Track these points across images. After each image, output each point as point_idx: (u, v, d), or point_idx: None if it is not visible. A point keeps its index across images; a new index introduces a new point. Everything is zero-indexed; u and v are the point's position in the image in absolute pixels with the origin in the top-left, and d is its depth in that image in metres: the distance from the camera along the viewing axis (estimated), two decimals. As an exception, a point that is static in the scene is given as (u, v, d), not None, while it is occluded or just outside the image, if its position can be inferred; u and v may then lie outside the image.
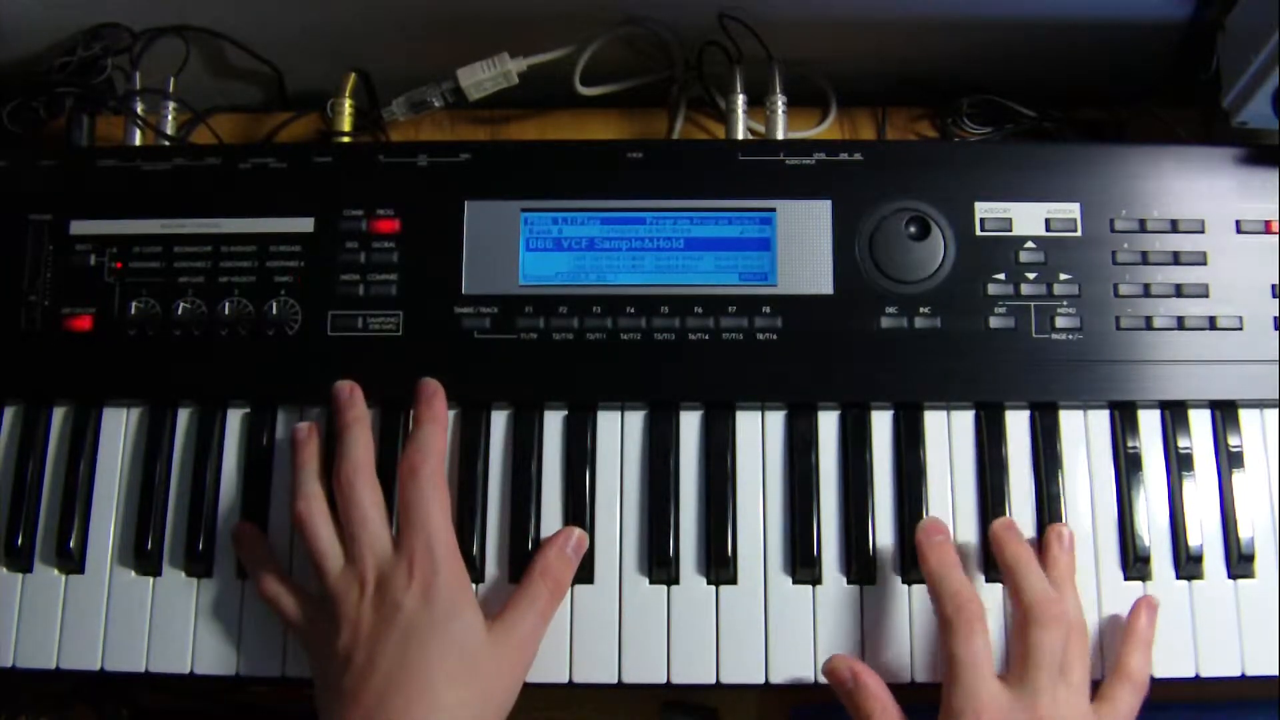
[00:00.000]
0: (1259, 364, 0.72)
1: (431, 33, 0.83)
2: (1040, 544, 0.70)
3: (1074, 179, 0.75)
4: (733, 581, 0.71)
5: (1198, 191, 0.74)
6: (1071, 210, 0.74)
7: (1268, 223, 0.74)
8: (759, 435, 0.73)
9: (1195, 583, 0.70)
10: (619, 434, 0.73)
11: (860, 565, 0.70)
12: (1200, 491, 0.72)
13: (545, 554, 0.69)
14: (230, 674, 0.70)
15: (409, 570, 0.65)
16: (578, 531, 0.70)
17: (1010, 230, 0.74)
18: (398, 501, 0.69)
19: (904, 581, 0.70)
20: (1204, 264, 0.74)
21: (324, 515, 0.68)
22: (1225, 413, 0.73)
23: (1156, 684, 0.68)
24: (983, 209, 0.74)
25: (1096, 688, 0.66)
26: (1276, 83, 0.70)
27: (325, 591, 0.66)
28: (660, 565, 0.71)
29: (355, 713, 0.62)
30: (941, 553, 0.68)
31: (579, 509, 0.71)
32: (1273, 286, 0.73)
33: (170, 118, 0.82)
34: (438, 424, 0.70)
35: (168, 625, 0.71)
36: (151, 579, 0.72)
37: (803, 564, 0.70)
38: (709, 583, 0.71)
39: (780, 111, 0.81)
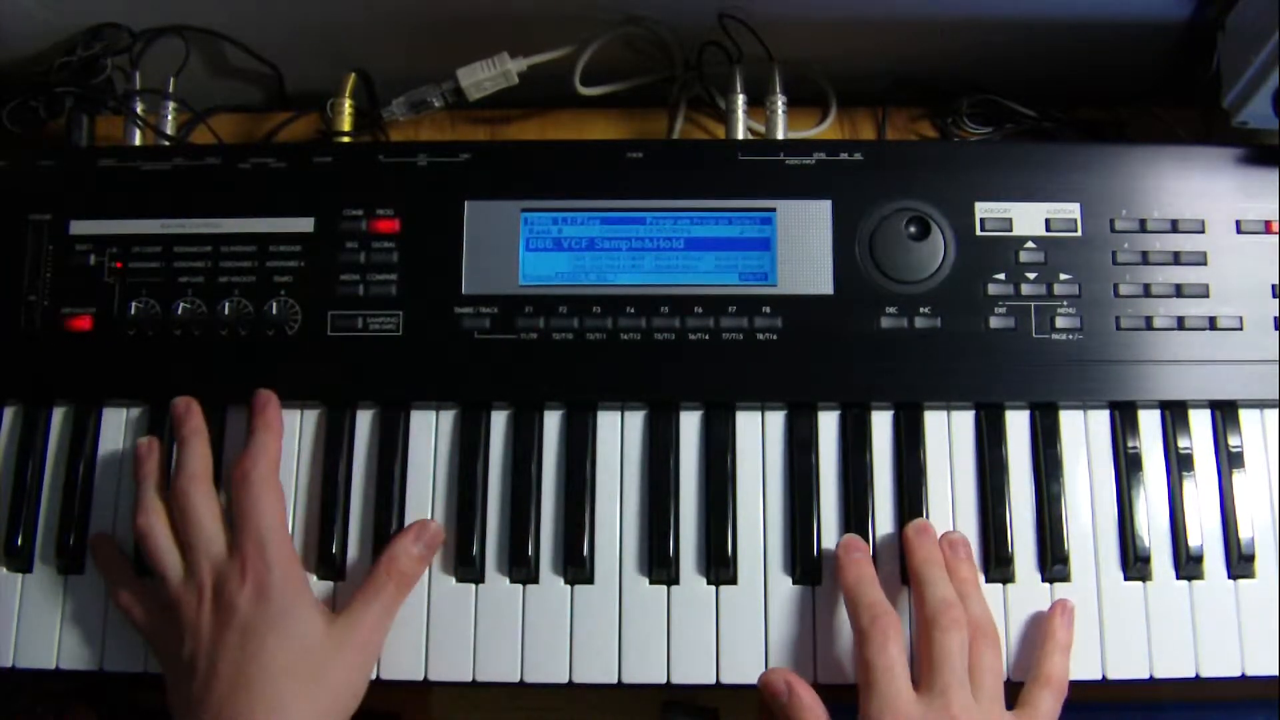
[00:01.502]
0: (1259, 364, 0.72)
1: (431, 33, 0.83)
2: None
3: (1074, 179, 0.75)
4: (733, 581, 0.71)
5: (1198, 191, 0.74)
6: (1071, 210, 0.74)
7: (1268, 223, 0.74)
8: (759, 435, 0.73)
9: (1195, 583, 0.70)
10: (619, 434, 0.73)
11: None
12: (1200, 491, 0.72)
13: (393, 547, 0.69)
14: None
15: (242, 571, 0.66)
16: (433, 524, 0.70)
17: (1010, 230, 0.74)
18: (232, 506, 0.69)
19: (904, 582, 0.70)
20: (1204, 264, 0.74)
21: (163, 527, 0.69)
22: (1225, 413, 0.73)
23: (1157, 684, 0.68)
24: (983, 209, 0.74)
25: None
26: (1276, 83, 0.70)
27: (168, 601, 0.67)
28: (660, 565, 0.71)
29: (203, 718, 0.62)
30: (859, 568, 0.68)
31: (578, 509, 0.71)
32: (1273, 286, 0.73)
33: (170, 118, 0.82)
34: (270, 431, 0.71)
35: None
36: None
37: (802, 564, 0.70)
38: (709, 583, 0.71)
39: (780, 111, 0.81)
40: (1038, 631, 0.69)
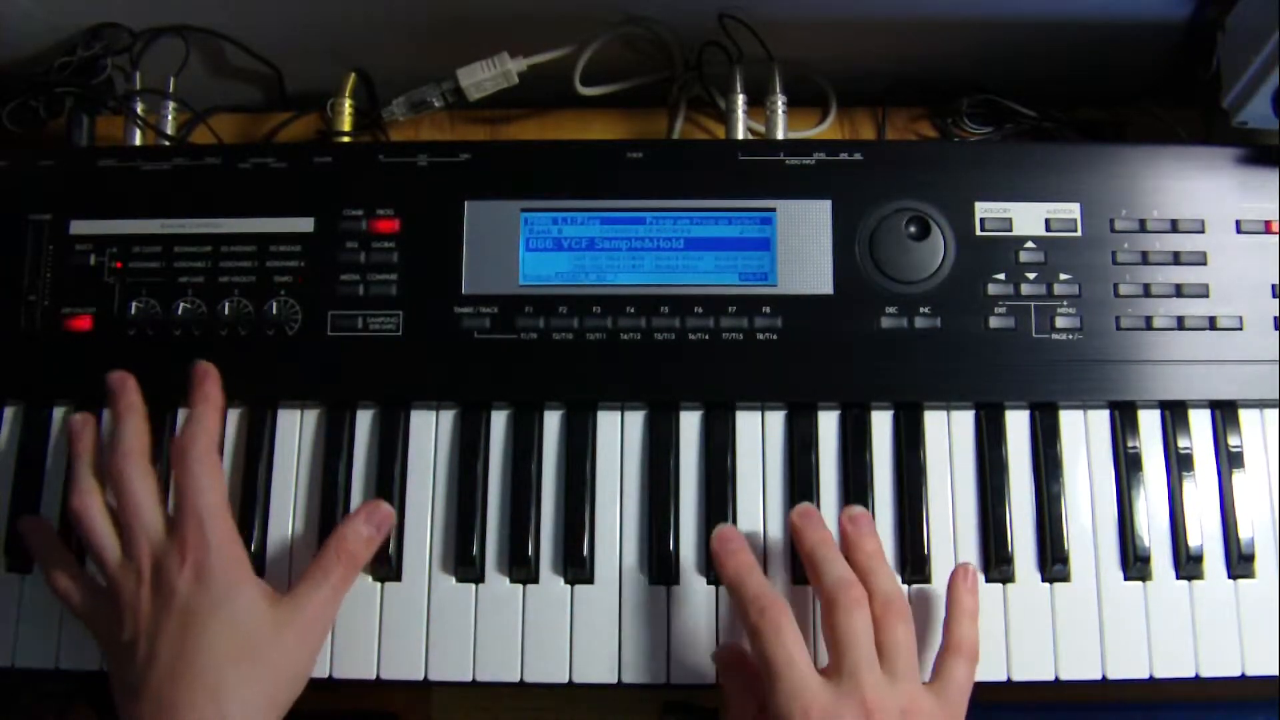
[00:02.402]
0: (1259, 364, 0.72)
1: (431, 33, 0.83)
2: (838, 533, 0.69)
3: (1074, 179, 0.75)
4: (733, 581, 0.71)
5: (1198, 191, 0.74)
6: (1071, 210, 0.74)
7: (1268, 223, 0.74)
8: (759, 435, 0.73)
9: (1195, 583, 0.70)
10: (619, 434, 0.73)
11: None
12: (1200, 491, 0.72)
13: (342, 529, 0.68)
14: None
15: (181, 552, 0.64)
16: (384, 506, 0.69)
17: (1010, 230, 0.74)
18: (172, 485, 0.68)
19: (904, 581, 0.70)
20: (1204, 264, 0.74)
21: (99, 508, 0.67)
22: (1225, 413, 0.73)
23: (1157, 684, 0.68)
24: (983, 209, 0.74)
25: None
26: (1276, 83, 0.70)
27: (107, 584, 0.66)
28: (660, 565, 0.71)
29: (144, 705, 0.61)
30: (738, 560, 0.66)
31: (578, 509, 0.71)
32: (1273, 286, 0.73)
33: (170, 118, 0.83)
34: (209, 404, 0.69)
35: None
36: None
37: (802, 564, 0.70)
38: (709, 583, 0.71)
39: (780, 111, 0.81)
40: (946, 599, 0.67)
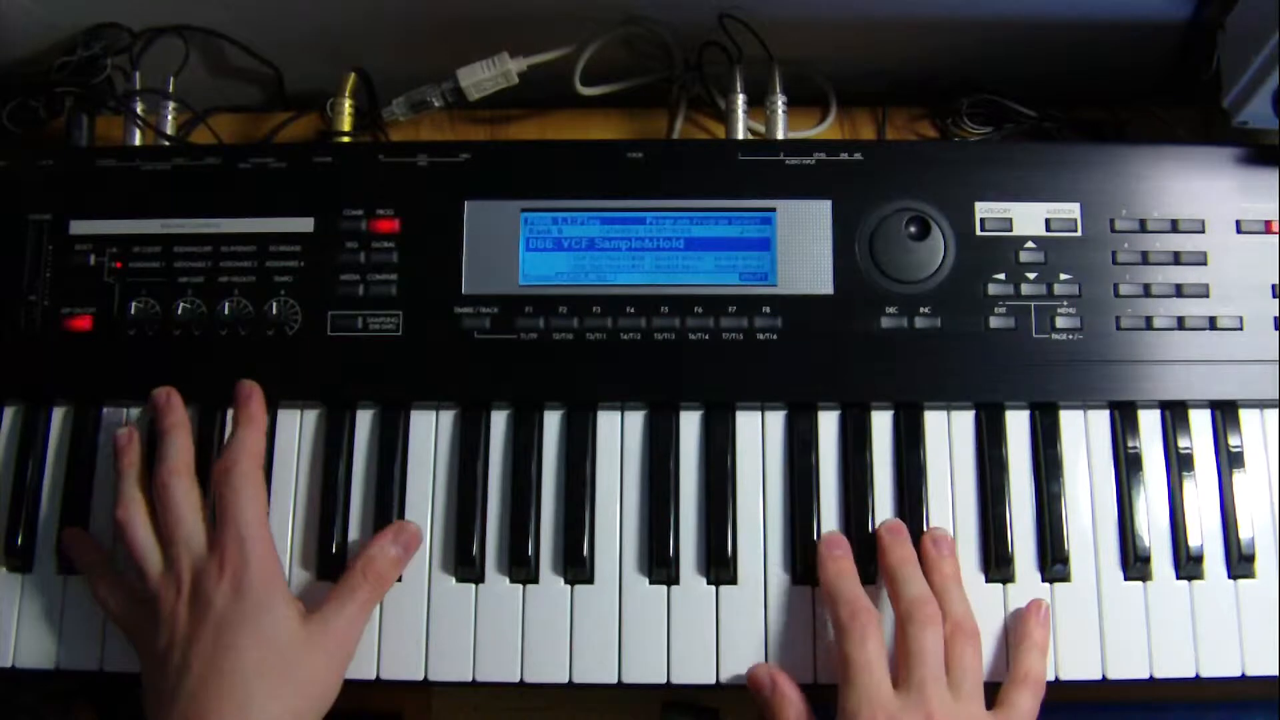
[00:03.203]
0: (1259, 364, 0.72)
1: (431, 33, 0.83)
2: (920, 552, 0.70)
3: (1074, 179, 0.75)
4: (733, 581, 0.71)
5: (1198, 191, 0.74)
6: (1071, 210, 0.74)
7: (1268, 223, 0.74)
8: (759, 435, 0.73)
9: (1195, 583, 0.70)
10: (619, 434, 0.73)
11: (861, 565, 0.70)
12: (1200, 491, 0.72)
13: (369, 547, 0.69)
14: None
15: (220, 566, 0.66)
16: (411, 526, 0.71)
17: (1010, 230, 0.74)
18: (214, 501, 0.69)
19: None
20: (1204, 264, 0.74)
21: (143, 519, 0.69)
22: (1225, 413, 0.73)
23: (1157, 684, 0.68)
24: (983, 209, 0.74)
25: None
26: (1276, 83, 0.70)
27: (146, 594, 0.67)
28: (660, 565, 0.71)
29: (173, 713, 0.62)
30: (839, 565, 0.69)
31: (578, 509, 0.71)
32: (1273, 286, 0.73)
33: (170, 118, 0.82)
34: (253, 425, 0.70)
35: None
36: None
37: (803, 564, 0.70)
38: (709, 583, 0.71)
39: (780, 111, 0.81)
40: (1014, 631, 0.69)
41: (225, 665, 0.63)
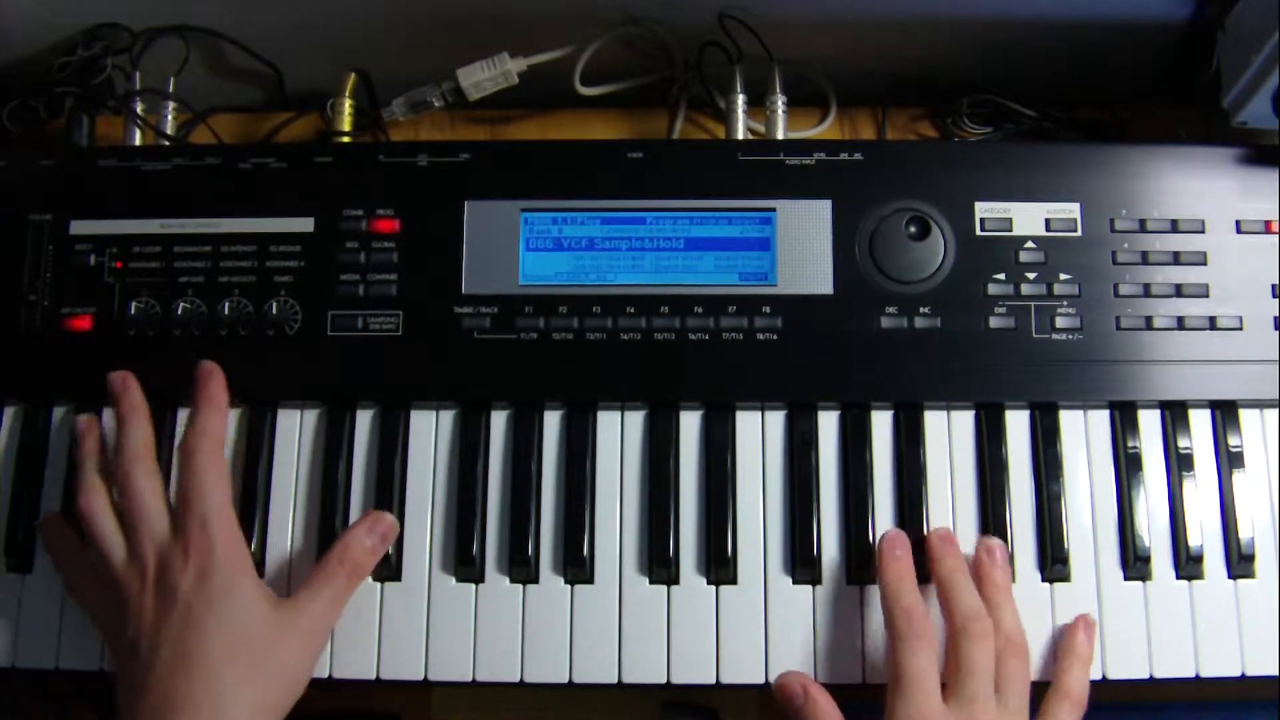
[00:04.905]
0: (1259, 364, 0.72)
1: (431, 33, 0.83)
2: (972, 560, 0.70)
3: (1074, 179, 0.75)
4: (733, 581, 0.71)
5: (1198, 191, 0.74)
6: (1071, 210, 0.74)
7: (1268, 223, 0.74)
8: (759, 435, 0.73)
9: (1195, 583, 0.70)
10: (619, 434, 0.73)
11: (860, 565, 0.70)
12: (1200, 491, 0.72)
13: (346, 536, 0.69)
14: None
15: (184, 552, 0.65)
16: (388, 517, 0.70)
17: (1010, 230, 0.74)
18: (177, 485, 0.68)
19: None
20: (1204, 264, 0.74)
21: (105, 508, 0.68)
22: (1225, 413, 0.73)
23: (1157, 684, 0.68)
24: (983, 209, 0.74)
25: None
26: (1276, 83, 0.70)
27: (113, 584, 0.66)
28: (660, 565, 0.71)
29: (145, 703, 0.62)
30: (900, 567, 0.68)
31: (578, 509, 0.71)
32: (1273, 286, 0.73)
33: (170, 118, 0.83)
34: (212, 405, 0.70)
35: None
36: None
37: (803, 564, 0.70)
38: (709, 583, 0.71)
39: (780, 111, 0.81)
40: (1059, 643, 0.69)
41: (193, 651, 0.62)
